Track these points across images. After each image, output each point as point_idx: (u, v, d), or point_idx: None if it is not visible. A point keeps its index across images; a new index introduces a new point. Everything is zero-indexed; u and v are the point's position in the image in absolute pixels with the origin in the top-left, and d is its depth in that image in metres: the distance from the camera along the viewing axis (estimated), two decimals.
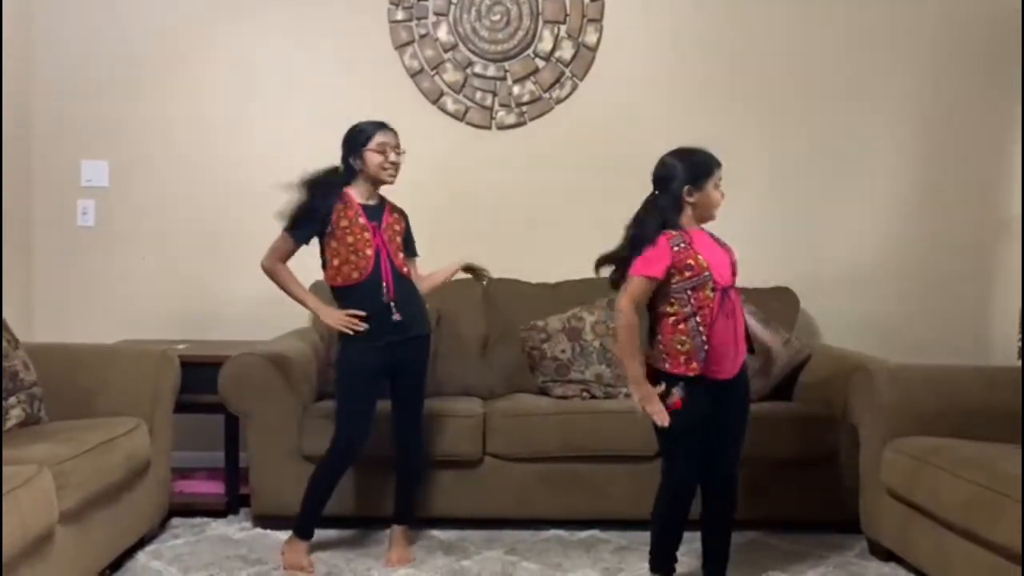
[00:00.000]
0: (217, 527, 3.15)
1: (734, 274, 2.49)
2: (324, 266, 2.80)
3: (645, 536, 2.83)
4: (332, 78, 3.78)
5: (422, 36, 3.83)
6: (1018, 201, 3.85)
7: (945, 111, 3.88)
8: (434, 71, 3.84)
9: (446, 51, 3.83)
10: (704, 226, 2.56)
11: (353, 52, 3.82)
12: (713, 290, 2.40)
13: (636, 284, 2.40)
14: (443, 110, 3.85)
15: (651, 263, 2.39)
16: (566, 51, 3.84)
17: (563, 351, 3.36)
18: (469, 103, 3.85)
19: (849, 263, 3.89)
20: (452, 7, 3.82)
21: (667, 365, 2.42)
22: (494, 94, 3.85)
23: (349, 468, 2.87)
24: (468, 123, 3.85)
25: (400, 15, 3.82)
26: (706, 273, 2.40)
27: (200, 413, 3.31)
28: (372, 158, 2.76)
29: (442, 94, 3.84)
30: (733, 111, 3.86)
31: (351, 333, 2.70)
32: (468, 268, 3.01)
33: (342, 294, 2.78)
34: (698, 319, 2.39)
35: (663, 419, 2.38)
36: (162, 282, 3.81)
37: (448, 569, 2.80)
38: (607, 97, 3.84)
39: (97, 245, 3.81)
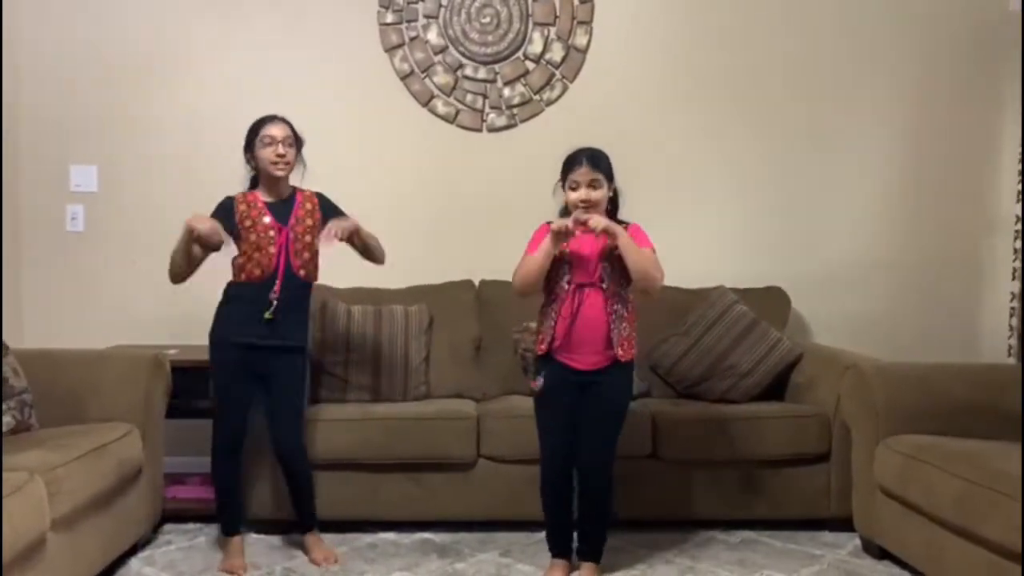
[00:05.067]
0: (210, 533, 3.13)
1: (600, 268, 2.59)
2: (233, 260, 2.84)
3: (638, 537, 2.84)
4: (322, 81, 3.78)
5: (412, 39, 3.83)
6: (1006, 200, 3.87)
7: (934, 111, 3.89)
8: (424, 73, 3.84)
9: (436, 53, 3.83)
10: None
11: (343, 55, 3.81)
12: (568, 283, 2.59)
13: (522, 260, 2.65)
14: (433, 112, 3.85)
15: (533, 243, 2.65)
16: (556, 53, 3.84)
17: None
18: (460, 105, 3.85)
19: (840, 262, 3.90)
20: (442, 9, 3.82)
21: (536, 346, 2.70)
22: (485, 96, 3.85)
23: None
24: (459, 125, 3.85)
25: (390, 18, 3.82)
26: (564, 266, 2.60)
27: (192, 418, 3.29)
28: (261, 153, 2.79)
29: (432, 96, 3.84)
30: (723, 113, 3.87)
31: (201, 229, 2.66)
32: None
33: (239, 291, 2.81)
34: (554, 306, 2.61)
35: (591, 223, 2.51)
36: (153, 287, 3.76)
37: (442, 571, 2.80)
38: (597, 99, 3.84)
39: (87, 250, 3.79)
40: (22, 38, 3.73)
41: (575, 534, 2.75)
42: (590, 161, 2.59)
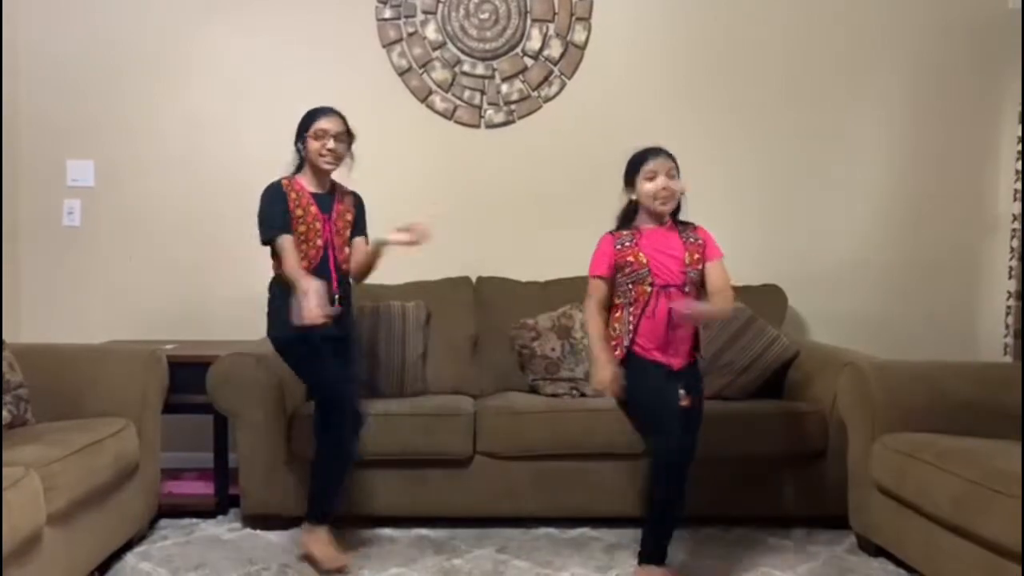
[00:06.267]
0: (206, 528, 3.14)
1: (685, 272, 2.56)
2: (273, 254, 2.78)
3: (635, 533, 2.83)
4: (320, 76, 3.77)
5: (410, 34, 3.82)
6: (1003, 199, 3.87)
7: (931, 109, 3.90)
8: (422, 69, 3.83)
9: (434, 49, 3.83)
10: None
11: (341, 50, 3.81)
12: (651, 285, 2.54)
13: (590, 284, 2.64)
14: (431, 108, 3.84)
15: (596, 263, 2.62)
16: (554, 49, 3.84)
17: (553, 349, 3.37)
18: (458, 101, 3.84)
19: (837, 260, 3.91)
20: (440, 5, 3.82)
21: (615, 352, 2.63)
22: (483, 92, 3.85)
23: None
24: (457, 121, 3.85)
25: (388, 13, 3.81)
26: (644, 270, 2.54)
27: (189, 413, 3.29)
28: (310, 144, 2.76)
29: (430, 92, 3.84)
30: (721, 109, 3.88)
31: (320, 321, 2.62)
32: (403, 230, 2.77)
33: (288, 283, 2.72)
34: (631, 309, 2.56)
35: (604, 390, 2.59)
36: (149, 282, 3.79)
37: (439, 568, 2.80)
38: (595, 95, 3.84)
39: (83, 245, 3.79)
40: (20, 34, 3.72)
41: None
42: (666, 153, 2.58)
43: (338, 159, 2.79)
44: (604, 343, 2.59)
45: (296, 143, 2.81)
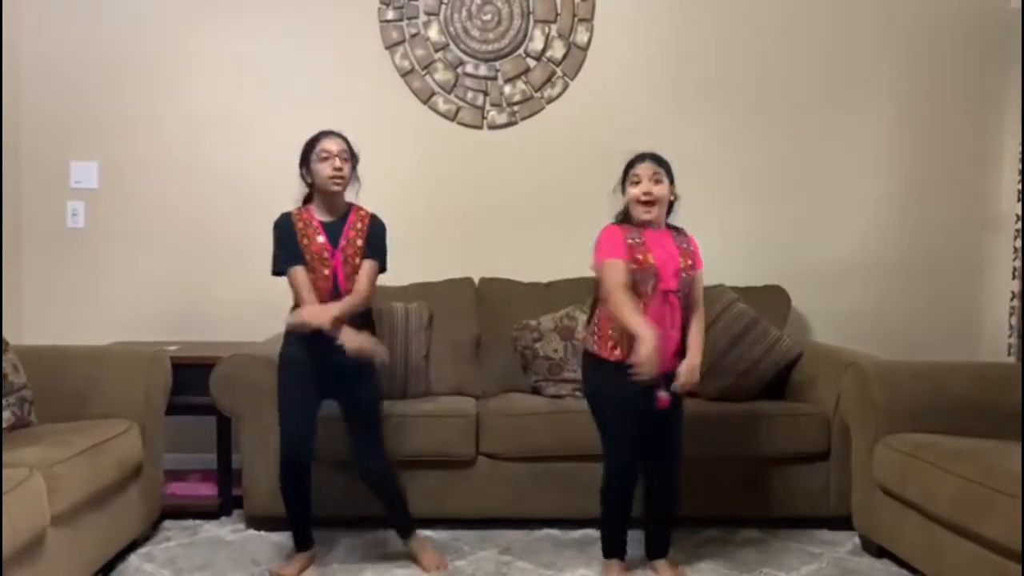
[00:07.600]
0: (210, 529, 3.15)
1: (680, 277, 2.57)
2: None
3: (637, 535, 2.83)
4: (323, 78, 3.78)
5: (413, 36, 3.83)
6: (1005, 198, 3.87)
7: (934, 109, 3.89)
8: (425, 71, 3.83)
9: (437, 51, 3.83)
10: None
11: (344, 52, 3.81)
12: (654, 288, 2.53)
13: (610, 267, 2.52)
14: (434, 110, 3.84)
15: (610, 247, 2.54)
16: (557, 50, 3.84)
17: (555, 350, 3.37)
18: (460, 103, 3.85)
19: (840, 261, 3.90)
20: (443, 7, 3.82)
21: (595, 347, 2.61)
22: (485, 93, 3.85)
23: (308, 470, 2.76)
24: (459, 123, 3.85)
25: (391, 15, 3.81)
26: (651, 271, 2.53)
27: (192, 415, 3.29)
28: (319, 168, 2.70)
29: (433, 94, 3.84)
30: (723, 111, 3.87)
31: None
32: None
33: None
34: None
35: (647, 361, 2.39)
36: (153, 283, 3.80)
37: None
38: (598, 96, 3.84)
39: (87, 247, 3.79)
40: (23, 35, 3.73)
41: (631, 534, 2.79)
42: (654, 158, 2.61)
43: (344, 179, 2.71)
44: (644, 318, 2.45)
45: (301, 170, 2.75)
